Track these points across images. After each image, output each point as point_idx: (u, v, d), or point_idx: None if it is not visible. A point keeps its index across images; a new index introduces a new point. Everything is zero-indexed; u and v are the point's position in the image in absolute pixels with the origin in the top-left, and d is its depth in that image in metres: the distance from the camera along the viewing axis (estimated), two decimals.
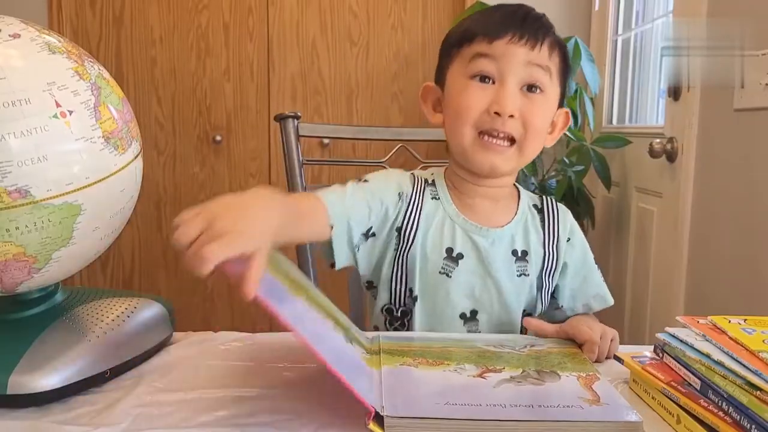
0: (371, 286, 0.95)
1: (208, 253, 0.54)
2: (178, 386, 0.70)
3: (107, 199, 0.69)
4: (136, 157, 0.73)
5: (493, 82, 0.85)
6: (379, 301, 0.93)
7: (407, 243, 0.89)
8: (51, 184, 0.63)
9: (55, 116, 0.63)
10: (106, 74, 0.72)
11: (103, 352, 0.69)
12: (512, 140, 0.86)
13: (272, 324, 3.10)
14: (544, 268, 0.92)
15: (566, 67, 0.90)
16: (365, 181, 0.90)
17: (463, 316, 0.90)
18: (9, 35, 0.65)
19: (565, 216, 0.96)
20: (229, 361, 0.77)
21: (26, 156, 0.61)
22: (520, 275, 0.91)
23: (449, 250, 0.89)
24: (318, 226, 0.83)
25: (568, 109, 0.94)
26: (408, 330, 0.92)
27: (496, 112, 0.84)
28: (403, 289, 0.90)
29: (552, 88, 0.87)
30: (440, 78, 0.92)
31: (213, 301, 2.62)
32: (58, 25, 2.44)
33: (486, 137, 0.86)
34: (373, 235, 0.90)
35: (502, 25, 0.85)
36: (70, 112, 0.64)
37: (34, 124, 0.61)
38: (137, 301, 0.78)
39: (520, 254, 0.91)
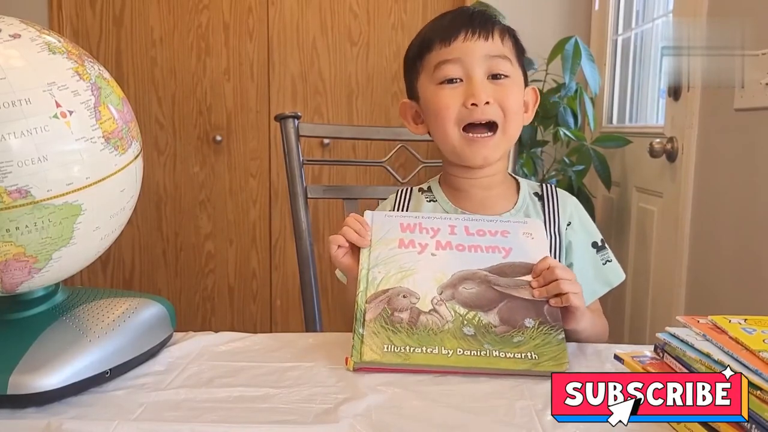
0: None
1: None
2: (179, 386, 0.70)
3: (107, 199, 0.69)
4: (136, 158, 0.73)
5: (462, 80, 0.91)
6: None
7: None
8: (51, 184, 0.63)
9: (56, 116, 0.63)
10: (106, 74, 0.72)
11: (103, 352, 0.69)
12: (494, 127, 0.91)
13: (272, 324, 3.07)
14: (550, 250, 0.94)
15: (520, 49, 0.97)
16: None
17: None
18: (9, 35, 0.65)
19: (566, 201, 0.99)
20: (229, 361, 0.77)
21: (26, 156, 0.61)
22: None
23: None
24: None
25: (534, 86, 1.00)
26: None
27: (473, 104, 0.89)
28: None
29: (515, 71, 0.93)
30: (412, 92, 1.00)
31: (213, 301, 2.62)
32: (58, 25, 2.45)
33: (471, 134, 0.91)
34: None
35: (453, 26, 0.92)
36: (71, 112, 0.64)
37: (34, 124, 0.61)
38: (137, 301, 0.78)
39: None
